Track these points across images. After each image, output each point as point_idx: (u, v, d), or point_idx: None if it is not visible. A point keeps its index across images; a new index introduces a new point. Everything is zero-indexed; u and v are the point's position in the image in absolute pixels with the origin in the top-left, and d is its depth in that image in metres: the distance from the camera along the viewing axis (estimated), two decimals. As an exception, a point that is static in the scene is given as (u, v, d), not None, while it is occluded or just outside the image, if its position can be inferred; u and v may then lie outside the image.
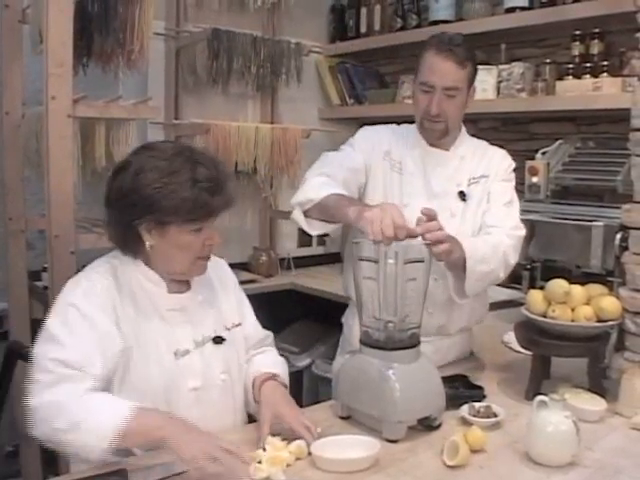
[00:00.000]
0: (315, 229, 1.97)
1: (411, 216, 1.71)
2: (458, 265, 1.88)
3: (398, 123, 2.26)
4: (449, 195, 2.10)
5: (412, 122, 2.17)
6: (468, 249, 1.87)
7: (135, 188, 1.55)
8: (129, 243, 1.63)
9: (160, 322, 1.64)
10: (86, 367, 1.48)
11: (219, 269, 1.85)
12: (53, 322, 1.54)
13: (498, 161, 2.18)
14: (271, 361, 1.85)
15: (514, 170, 2.22)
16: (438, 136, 2.11)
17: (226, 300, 1.81)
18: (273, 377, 1.74)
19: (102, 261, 1.69)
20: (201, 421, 1.53)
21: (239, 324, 1.80)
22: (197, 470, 1.36)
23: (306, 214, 1.96)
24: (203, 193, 1.55)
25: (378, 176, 2.12)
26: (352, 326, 2.22)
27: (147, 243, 1.59)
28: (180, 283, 1.70)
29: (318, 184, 1.95)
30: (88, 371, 1.48)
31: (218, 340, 1.71)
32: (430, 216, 1.72)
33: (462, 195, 2.11)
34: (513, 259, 2.03)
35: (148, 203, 1.53)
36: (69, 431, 1.41)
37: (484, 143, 2.25)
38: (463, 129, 2.20)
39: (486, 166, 2.16)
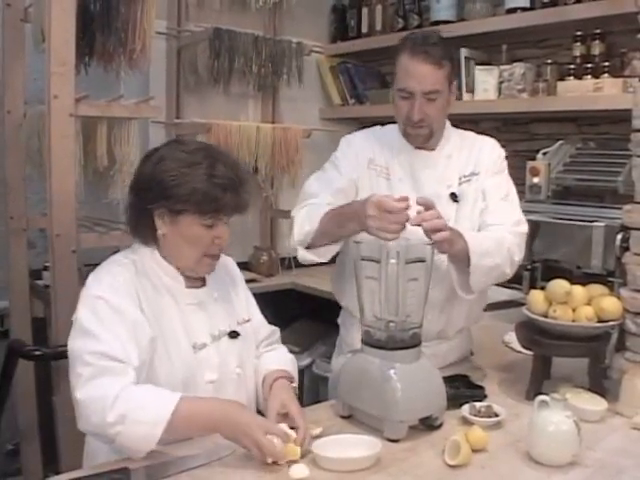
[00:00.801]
0: (325, 256, 1.98)
1: None
2: (462, 258, 1.84)
3: (383, 124, 2.22)
4: (441, 198, 2.02)
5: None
6: (471, 242, 1.84)
7: (154, 174, 1.61)
8: (142, 228, 1.66)
9: (179, 315, 1.66)
10: (125, 359, 1.50)
11: (229, 267, 1.89)
12: (84, 316, 1.55)
13: (487, 154, 2.12)
14: (281, 359, 1.88)
15: (506, 158, 2.16)
16: (423, 141, 2.06)
17: (236, 297, 1.84)
18: (283, 376, 1.76)
19: (121, 256, 1.70)
20: None
21: (249, 320, 1.83)
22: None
23: (310, 246, 1.96)
24: (216, 188, 1.59)
25: (365, 186, 2.07)
26: (348, 328, 2.22)
27: (160, 231, 1.63)
28: (195, 279, 1.72)
29: (307, 215, 1.95)
30: (128, 362, 1.50)
31: (234, 335, 1.74)
32: (427, 205, 1.71)
33: (454, 197, 2.05)
34: (518, 256, 2.00)
35: (163, 188, 1.58)
36: (117, 424, 1.42)
37: (470, 135, 2.19)
38: (447, 124, 2.14)
39: (475, 162, 2.10)
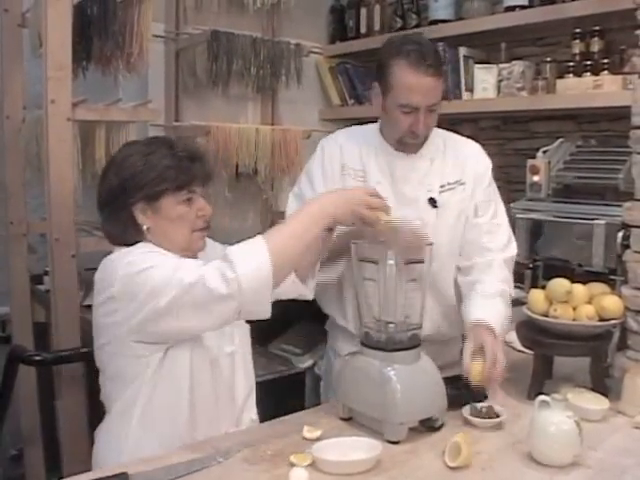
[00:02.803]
0: (331, 277, 2.00)
1: None
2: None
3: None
4: (419, 201, 2.00)
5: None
6: (496, 329, 1.80)
7: (121, 174, 1.65)
8: (128, 232, 1.67)
9: None
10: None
11: (216, 247, 1.87)
12: (135, 267, 1.55)
13: (474, 164, 2.07)
14: None
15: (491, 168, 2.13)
16: (418, 148, 2.02)
17: None
18: None
19: (124, 249, 1.69)
20: (236, 384, 1.75)
21: None
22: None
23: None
24: (183, 160, 1.67)
25: None
26: (334, 335, 2.23)
27: (144, 226, 1.65)
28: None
29: None
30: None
31: None
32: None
33: (432, 202, 2.01)
34: (511, 278, 2.06)
35: (136, 180, 1.63)
36: (230, 279, 1.45)
37: (454, 137, 2.13)
38: None
39: (461, 170, 2.05)
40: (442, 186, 2.03)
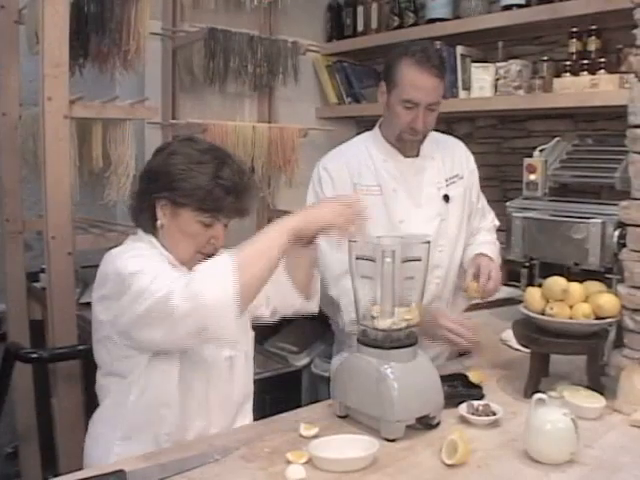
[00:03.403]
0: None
1: (408, 230, 1.89)
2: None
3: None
4: (435, 200, 2.13)
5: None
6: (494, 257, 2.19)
7: (163, 166, 1.67)
8: (144, 216, 1.70)
9: None
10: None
11: None
12: (127, 267, 1.55)
13: (464, 158, 2.26)
14: None
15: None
16: (415, 147, 2.14)
17: None
18: None
19: (126, 245, 1.72)
20: (233, 390, 1.74)
21: None
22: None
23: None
24: (219, 189, 1.63)
25: None
26: (341, 327, 2.23)
27: (159, 222, 1.67)
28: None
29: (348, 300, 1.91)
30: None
31: None
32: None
33: (446, 198, 2.16)
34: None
35: (169, 180, 1.64)
36: (195, 296, 1.43)
37: (437, 136, 2.26)
38: None
39: (459, 166, 2.23)
40: (447, 180, 2.17)
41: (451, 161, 2.20)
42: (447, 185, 2.16)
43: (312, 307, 1.83)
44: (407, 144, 2.11)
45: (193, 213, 1.64)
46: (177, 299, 1.43)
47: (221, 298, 1.43)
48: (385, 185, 2.12)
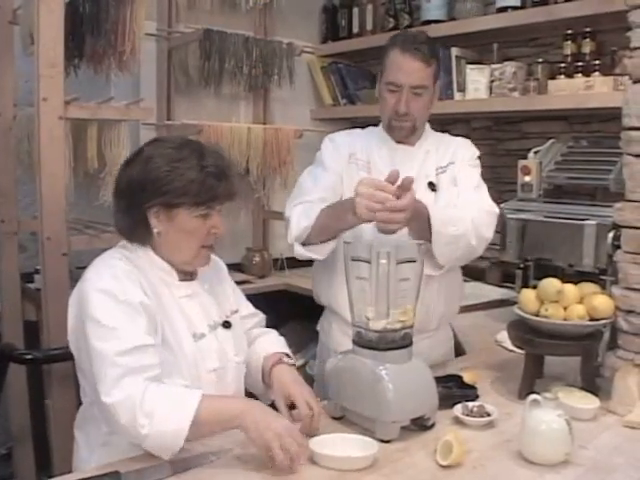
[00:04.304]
0: (322, 253, 2.00)
1: None
2: (424, 228, 1.86)
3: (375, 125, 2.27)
4: (419, 187, 2.05)
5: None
6: (432, 209, 1.88)
7: (145, 173, 1.62)
8: (138, 230, 1.66)
9: (176, 307, 1.67)
10: (149, 343, 1.53)
11: (212, 261, 1.86)
12: (98, 313, 1.53)
13: (463, 149, 2.21)
14: (277, 340, 1.93)
15: (479, 158, 2.23)
16: (406, 134, 2.13)
17: (223, 289, 1.86)
18: (281, 360, 1.81)
19: (113, 251, 1.70)
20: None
21: (237, 310, 1.86)
22: (268, 456, 1.44)
23: (306, 243, 1.99)
24: (210, 177, 1.62)
25: (347, 180, 2.12)
26: (328, 330, 2.27)
27: (155, 230, 1.64)
28: (187, 273, 1.74)
29: (303, 211, 1.99)
30: (152, 346, 1.54)
31: (227, 325, 1.77)
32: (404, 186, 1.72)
33: (432, 186, 2.13)
34: (486, 232, 2.03)
35: (158, 185, 1.60)
36: (145, 426, 1.43)
37: (447, 136, 2.28)
38: (427, 126, 2.22)
39: (452, 155, 2.18)
40: (437, 169, 2.15)
41: (445, 151, 2.19)
42: (437, 174, 2.14)
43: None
44: (396, 131, 2.13)
45: (189, 210, 1.62)
46: (124, 419, 1.44)
47: (171, 441, 1.45)
48: (374, 164, 2.15)
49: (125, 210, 1.67)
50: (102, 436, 1.61)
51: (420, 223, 1.84)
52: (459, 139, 2.26)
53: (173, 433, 1.44)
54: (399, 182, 1.70)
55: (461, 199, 2.10)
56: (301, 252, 2.00)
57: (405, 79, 2.03)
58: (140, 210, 1.63)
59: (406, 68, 2.03)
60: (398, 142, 2.16)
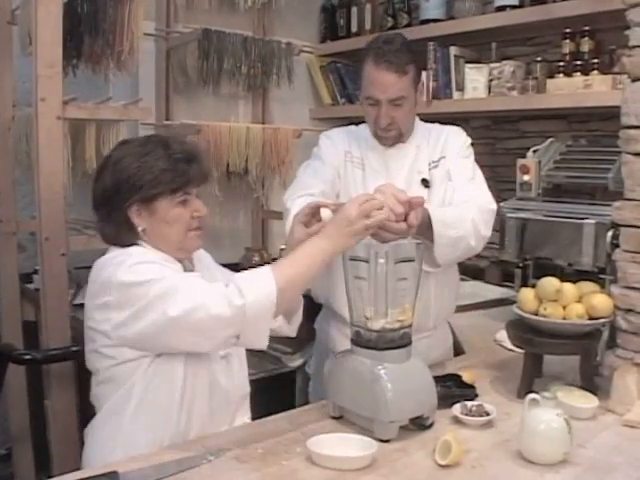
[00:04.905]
0: None
1: None
2: (425, 229, 1.85)
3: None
4: (412, 184, 2.09)
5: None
6: (433, 212, 1.87)
7: (117, 175, 1.64)
8: (122, 233, 1.67)
9: None
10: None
11: (199, 254, 1.87)
12: (137, 276, 1.54)
13: (453, 139, 2.19)
14: None
15: (472, 145, 2.22)
16: (393, 142, 2.14)
17: (212, 276, 1.83)
18: None
19: (119, 250, 1.69)
20: (231, 388, 1.73)
21: None
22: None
23: None
24: (180, 162, 1.65)
25: (343, 176, 2.15)
26: (326, 330, 2.28)
27: (139, 228, 1.65)
28: (186, 263, 1.76)
29: (303, 202, 1.95)
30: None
31: None
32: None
33: (425, 182, 2.13)
34: (485, 230, 2.02)
35: (132, 183, 1.62)
36: (241, 297, 1.48)
37: (436, 125, 2.26)
38: (416, 119, 2.21)
39: (442, 147, 2.17)
40: (429, 164, 2.15)
41: (436, 144, 2.18)
42: (430, 169, 2.14)
43: (291, 331, 1.81)
44: (383, 140, 2.14)
45: (167, 199, 1.64)
46: (218, 308, 1.47)
47: (264, 309, 1.50)
48: (368, 162, 2.15)
49: (106, 217, 1.69)
50: (122, 440, 1.61)
51: (422, 225, 1.83)
52: (448, 127, 2.24)
53: (265, 297, 1.49)
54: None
55: (458, 195, 2.08)
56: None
57: (381, 94, 2.01)
58: (121, 212, 1.64)
59: (381, 82, 2.00)
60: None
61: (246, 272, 1.55)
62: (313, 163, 2.19)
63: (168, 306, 1.48)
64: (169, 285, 1.51)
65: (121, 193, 1.63)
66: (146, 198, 1.63)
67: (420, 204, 1.71)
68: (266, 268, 1.55)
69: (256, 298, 1.48)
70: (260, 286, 1.50)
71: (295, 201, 2.00)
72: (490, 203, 2.09)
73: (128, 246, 1.66)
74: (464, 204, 2.03)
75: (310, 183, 2.08)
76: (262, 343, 1.54)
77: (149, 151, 1.65)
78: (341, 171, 2.15)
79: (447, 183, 2.12)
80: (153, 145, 1.67)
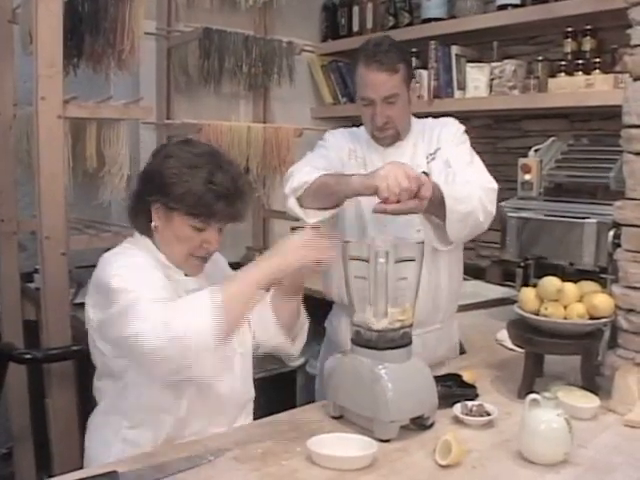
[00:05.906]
0: (311, 217, 2.00)
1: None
2: (436, 205, 1.87)
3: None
4: None
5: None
6: (445, 188, 1.90)
7: (158, 169, 1.65)
8: (139, 218, 1.71)
9: None
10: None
11: (216, 260, 1.86)
12: (114, 281, 1.54)
13: (446, 129, 2.21)
14: None
15: (466, 132, 2.24)
16: (391, 141, 2.17)
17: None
18: None
19: (121, 247, 1.72)
20: (231, 390, 1.72)
21: None
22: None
23: (300, 204, 2.01)
24: (210, 195, 1.61)
25: (346, 172, 2.12)
26: (337, 327, 2.29)
27: (153, 223, 1.67)
28: None
29: (309, 171, 2.01)
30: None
31: None
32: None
33: (425, 174, 2.07)
34: (490, 207, 2.03)
35: (162, 184, 1.63)
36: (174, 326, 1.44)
37: (430, 120, 2.28)
38: (411, 118, 2.24)
39: (437, 139, 2.19)
40: (427, 157, 2.17)
41: (431, 137, 2.20)
42: (428, 162, 2.16)
43: (294, 350, 1.83)
44: (381, 140, 2.17)
45: (185, 217, 1.63)
46: (152, 339, 1.43)
47: (202, 337, 1.44)
48: (370, 161, 2.17)
49: (135, 195, 1.74)
50: (122, 431, 1.63)
51: (434, 201, 1.85)
52: (442, 119, 2.27)
53: (203, 328, 1.44)
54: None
55: (459, 178, 2.08)
56: (292, 206, 2.02)
57: (374, 93, 2.06)
58: (147, 200, 1.66)
59: (373, 82, 2.05)
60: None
61: (185, 299, 1.52)
62: (320, 150, 2.23)
63: (126, 324, 1.47)
64: (130, 303, 1.49)
65: (152, 185, 1.65)
66: (167, 205, 1.63)
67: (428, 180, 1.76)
68: (205, 293, 1.50)
69: (194, 326, 1.44)
70: (197, 315, 1.46)
71: (304, 169, 2.05)
72: (491, 182, 2.10)
73: (137, 231, 1.72)
74: (467, 184, 2.04)
75: (319, 163, 2.10)
76: (206, 374, 1.52)
77: (195, 165, 1.62)
78: (345, 166, 2.16)
79: (447, 170, 2.13)
80: (204, 161, 1.64)
